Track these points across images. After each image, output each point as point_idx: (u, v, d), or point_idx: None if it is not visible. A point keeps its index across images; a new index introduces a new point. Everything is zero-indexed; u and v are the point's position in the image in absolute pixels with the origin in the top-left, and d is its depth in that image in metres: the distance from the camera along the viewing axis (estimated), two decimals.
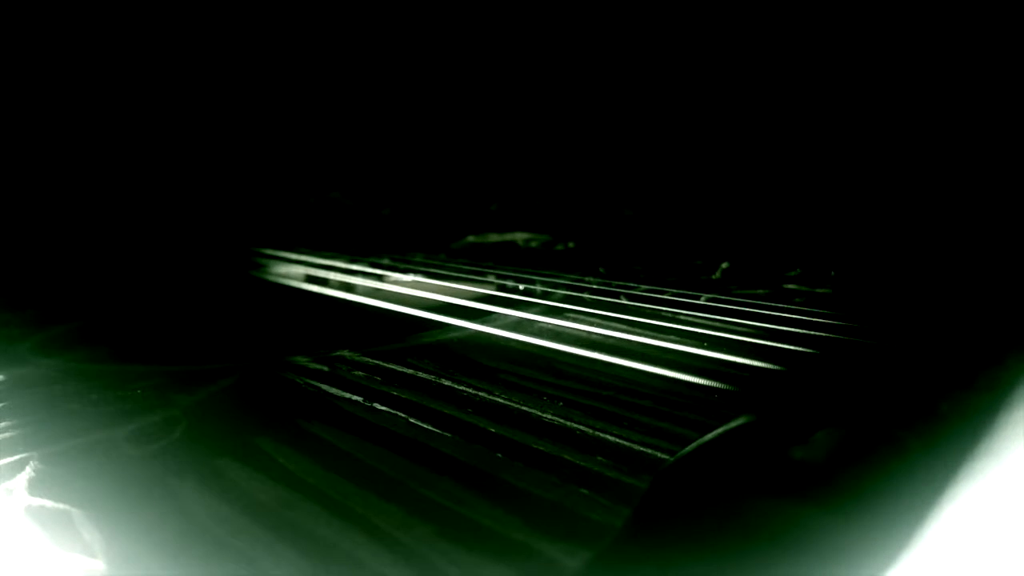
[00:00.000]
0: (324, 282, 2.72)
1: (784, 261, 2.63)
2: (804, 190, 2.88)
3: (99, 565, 0.88)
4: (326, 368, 1.65)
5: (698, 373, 1.54)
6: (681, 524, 0.85)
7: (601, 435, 1.24)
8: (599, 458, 1.15)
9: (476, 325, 1.99)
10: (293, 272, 2.93)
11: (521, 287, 2.48)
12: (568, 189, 3.60)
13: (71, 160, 3.72)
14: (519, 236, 3.55)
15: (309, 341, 1.87)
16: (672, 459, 1.04)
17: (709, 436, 1.00)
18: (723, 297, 2.21)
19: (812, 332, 1.78)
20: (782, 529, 0.78)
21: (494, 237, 3.60)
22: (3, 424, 1.32)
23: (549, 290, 2.42)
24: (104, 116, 3.81)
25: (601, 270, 2.78)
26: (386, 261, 3.06)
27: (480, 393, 1.46)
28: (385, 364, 1.68)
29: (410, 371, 1.62)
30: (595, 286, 2.44)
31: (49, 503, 1.02)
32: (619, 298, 2.26)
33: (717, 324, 1.92)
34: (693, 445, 1.00)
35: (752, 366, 1.58)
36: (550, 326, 1.99)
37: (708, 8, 3.00)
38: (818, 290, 2.33)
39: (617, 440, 1.21)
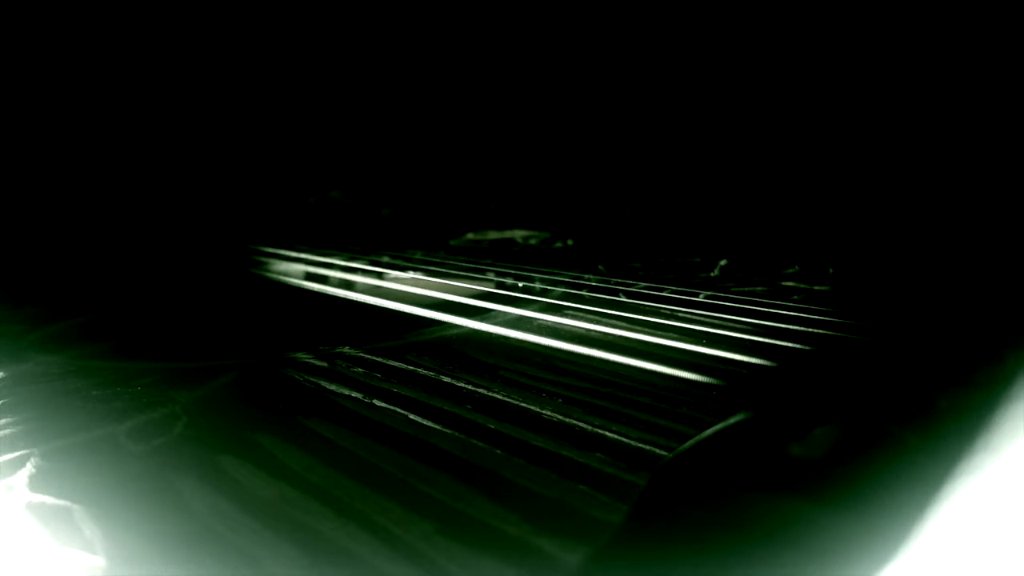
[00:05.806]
0: (324, 280, 2.72)
1: (782, 258, 2.63)
2: (802, 187, 2.88)
3: (99, 561, 0.88)
4: (326, 365, 1.65)
5: (696, 370, 1.54)
6: (679, 520, 0.85)
7: (600, 432, 1.24)
8: (598, 455, 1.15)
9: (475, 322, 2.00)
10: (293, 270, 2.93)
11: (520, 284, 2.48)
12: (567, 186, 3.60)
13: (72, 157, 3.72)
14: (518, 233, 3.55)
15: (309, 338, 1.87)
16: (670, 455, 1.04)
17: (707, 432, 1.01)
18: (721, 294, 2.21)
19: (810, 329, 1.79)
20: (780, 525, 0.78)
21: (493, 234, 3.60)
22: (4, 420, 1.32)
23: (548, 287, 2.42)
24: (105, 113, 3.81)
25: (600, 267, 2.78)
26: (385, 259, 3.06)
27: (479, 390, 1.47)
28: (385, 361, 1.68)
29: (410, 368, 1.62)
30: (594, 283, 2.44)
31: (50, 499, 1.02)
32: (618, 295, 2.26)
33: (715, 321, 1.93)
34: (691, 441, 1.00)
35: (750, 363, 1.58)
36: (549, 323, 1.99)
37: (706, 6, 3.00)
38: (816, 287, 2.33)
39: (616, 436, 1.22)
